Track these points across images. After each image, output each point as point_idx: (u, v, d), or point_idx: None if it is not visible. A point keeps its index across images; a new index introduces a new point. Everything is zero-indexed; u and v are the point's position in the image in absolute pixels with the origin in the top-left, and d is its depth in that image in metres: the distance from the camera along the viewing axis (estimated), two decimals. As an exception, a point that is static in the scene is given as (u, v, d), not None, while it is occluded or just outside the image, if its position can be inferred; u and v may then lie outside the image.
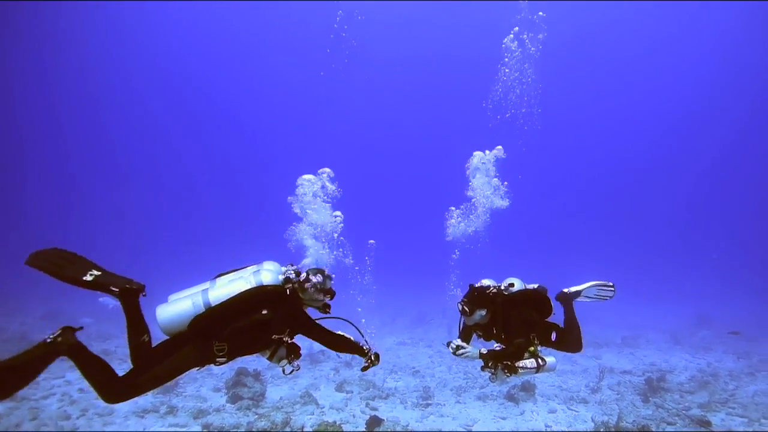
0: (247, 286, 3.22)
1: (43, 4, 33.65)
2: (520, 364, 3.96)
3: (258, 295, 3.20)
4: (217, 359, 3.10)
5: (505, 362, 3.92)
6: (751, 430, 7.34)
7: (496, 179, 6.69)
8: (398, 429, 6.66)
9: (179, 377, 3.19)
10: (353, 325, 3.76)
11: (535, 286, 4.40)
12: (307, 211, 4.97)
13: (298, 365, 3.45)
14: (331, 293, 3.58)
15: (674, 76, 46.76)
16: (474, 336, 4.39)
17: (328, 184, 5.27)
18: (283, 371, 3.40)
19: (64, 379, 9.18)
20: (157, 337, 3.15)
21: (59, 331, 2.85)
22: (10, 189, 44.76)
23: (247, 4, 42.53)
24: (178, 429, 6.97)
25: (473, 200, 6.82)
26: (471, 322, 4.19)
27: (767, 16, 36.84)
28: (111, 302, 13.74)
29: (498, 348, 3.99)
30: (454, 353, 3.97)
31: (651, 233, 49.36)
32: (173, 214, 54.83)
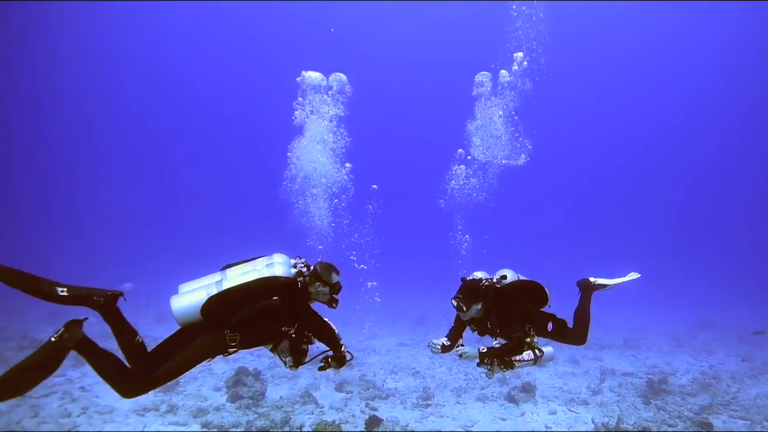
0: (260, 276, 3.29)
1: (31, 4, 33.88)
2: (517, 357, 3.93)
3: (270, 284, 3.27)
4: (229, 349, 3.16)
5: (502, 358, 3.89)
6: (752, 432, 7.31)
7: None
8: (397, 429, 6.65)
9: (192, 369, 3.21)
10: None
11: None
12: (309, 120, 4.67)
13: (295, 361, 3.50)
14: (337, 288, 3.63)
15: (674, 78, 46.62)
16: (468, 330, 4.36)
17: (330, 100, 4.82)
18: (284, 363, 3.47)
19: (65, 377, 9.21)
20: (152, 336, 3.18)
21: (63, 328, 2.90)
22: (5, 187, 45.03)
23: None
24: (177, 427, 6.98)
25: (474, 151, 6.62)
26: (466, 317, 4.15)
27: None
28: (127, 286, 13.74)
29: (497, 344, 3.98)
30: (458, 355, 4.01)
31: (652, 236, 49.21)
32: (169, 207, 55.23)
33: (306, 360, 3.55)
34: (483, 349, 3.94)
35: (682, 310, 21.68)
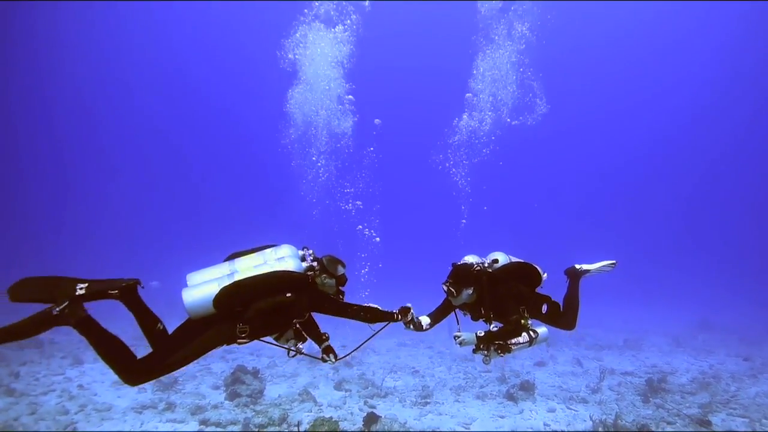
0: (271, 270, 3.30)
1: (37, 4, 34.00)
2: (513, 341, 3.89)
3: (283, 279, 3.29)
4: (239, 339, 3.20)
5: (497, 342, 3.86)
6: (751, 430, 7.28)
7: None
8: (395, 426, 6.64)
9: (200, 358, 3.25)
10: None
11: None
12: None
13: (302, 350, 3.58)
14: (343, 280, 3.70)
15: (679, 78, 46.66)
16: (462, 316, 4.32)
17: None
18: (288, 353, 3.56)
19: (64, 376, 9.23)
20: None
21: (67, 302, 2.81)
22: (8, 187, 45.09)
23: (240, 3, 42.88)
24: (175, 425, 6.97)
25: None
26: (458, 303, 4.13)
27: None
28: (154, 284, 13.70)
29: (494, 329, 3.92)
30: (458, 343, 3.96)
31: (652, 236, 49.18)
32: (172, 203, 55.40)
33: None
34: (480, 333, 3.91)
35: (683, 311, 21.64)
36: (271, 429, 6.68)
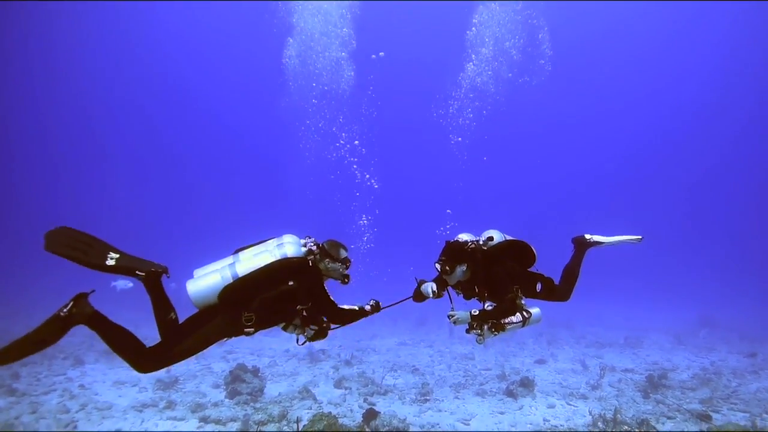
0: (272, 259, 3.32)
1: (38, 4, 34.17)
2: (507, 320, 3.84)
3: (284, 267, 3.30)
4: (246, 329, 3.20)
5: (491, 321, 3.81)
6: (751, 424, 7.27)
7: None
8: (395, 422, 6.65)
9: (207, 348, 3.27)
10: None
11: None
12: None
13: (310, 335, 3.56)
14: (347, 263, 3.67)
15: (676, 75, 46.60)
16: (455, 295, 4.22)
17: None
18: (297, 341, 3.54)
19: (65, 376, 9.26)
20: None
21: (72, 302, 2.87)
22: (7, 186, 45.20)
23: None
24: (175, 422, 6.99)
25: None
26: (453, 281, 4.02)
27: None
28: (121, 285, 13.68)
29: (489, 307, 3.86)
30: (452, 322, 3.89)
31: (656, 233, 49.01)
32: (172, 201, 55.74)
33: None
34: (475, 312, 3.82)
35: (685, 309, 21.59)
36: (271, 426, 6.70)
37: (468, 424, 7.32)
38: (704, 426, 7.07)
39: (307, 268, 3.38)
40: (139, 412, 7.35)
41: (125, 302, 10.96)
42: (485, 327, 3.83)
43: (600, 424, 7.00)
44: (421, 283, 4.11)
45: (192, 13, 43.67)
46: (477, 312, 3.81)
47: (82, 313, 2.87)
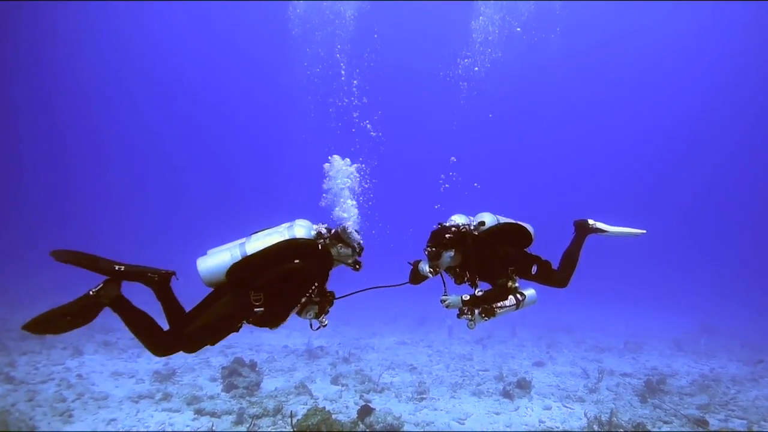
0: (281, 239, 3.34)
1: (39, 4, 34.41)
2: (498, 304, 3.79)
3: (290, 246, 3.32)
4: (255, 309, 3.21)
5: (482, 306, 3.77)
6: (748, 431, 7.22)
7: None
8: (389, 419, 6.64)
9: (224, 334, 3.29)
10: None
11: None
12: None
13: (324, 321, 3.55)
14: (360, 249, 3.65)
15: (682, 80, 46.38)
16: (449, 279, 4.15)
17: None
18: (311, 326, 3.56)
19: (63, 366, 9.29)
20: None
21: (102, 284, 3.01)
22: (7, 186, 45.45)
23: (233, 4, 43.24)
24: (171, 413, 7.01)
25: None
26: (442, 267, 3.96)
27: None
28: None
29: (480, 292, 3.80)
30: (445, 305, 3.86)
31: (657, 240, 48.70)
32: (175, 200, 55.84)
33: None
34: (466, 297, 3.78)
35: (686, 316, 21.47)
36: (265, 420, 6.71)
37: (463, 423, 7.31)
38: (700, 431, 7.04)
39: (315, 250, 3.38)
40: (135, 403, 7.37)
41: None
42: (476, 312, 3.80)
43: (595, 427, 6.97)
44: (416, 263, 4.06)
45: (185, 10, 43.93)
46: (468, 297, 3.78)
47: (109, 294, 2.98)
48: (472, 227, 3.99)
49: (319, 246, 3.42)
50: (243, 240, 3.39)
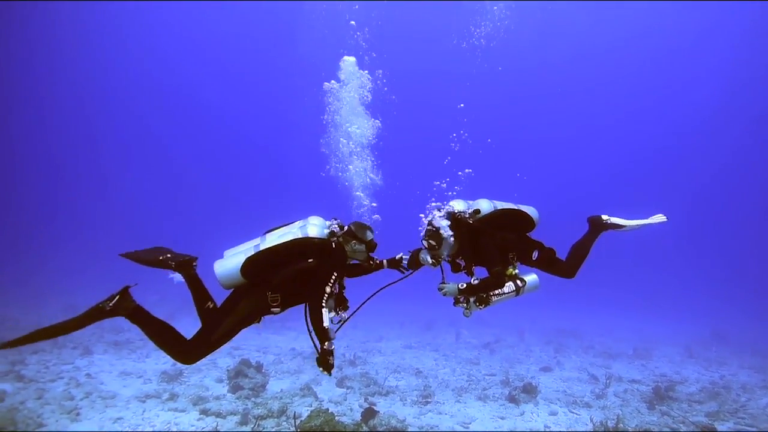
0: (293, 238, 3.40)
1: (37, 4, 34.89)
2: (496, 292, 3.75)
3: (304, 245, 3.37)
4: (272, 309, 3.30)
5: (478, 294, 3.75)
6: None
7: None
8: (393, 422, 6.64)
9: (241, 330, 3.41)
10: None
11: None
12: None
13: (345, 317, 3.61)
14: (373, 245, 3.68)
15: (688, 81, 45.92)
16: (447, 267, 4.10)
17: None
18: (331, 321, 3.50)
19: (73, 365, 9.39)
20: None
21: (118, 295, 3.07)
22: (5, 185, 46.00)
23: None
24: (176, 413, 7.07)
25: None
26: (445, 253, 3.90)
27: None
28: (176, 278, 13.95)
29: (476, 281, 3.75)
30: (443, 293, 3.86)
31: (667, 245, 48.13)
32: (175, 201, 56.28)
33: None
34: (462, 285, 3.75)
35: (698, 323, 21.19)
36: (269, 421, 6.74)
37: (467, 428, 7.28)
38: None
39: (329, 250, 3.40)
40: (142, 402, 7.44)
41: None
42: (471, 300, 3.80)
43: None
44: (416, 252, 4.03)
45: (185, 11, 44.27)
46: (464, 285, 3.76)
47: (126, 306, 3.05)
48: (467, 215, 3.92)
49: (333, 245, 3.45)
50: (257, 241, 3.45)
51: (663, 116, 49.22)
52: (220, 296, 3.49)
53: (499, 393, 9.11)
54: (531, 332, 16.19)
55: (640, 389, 9.88)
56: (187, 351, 3.17)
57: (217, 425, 6.64)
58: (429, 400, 8.47)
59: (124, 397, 7.63)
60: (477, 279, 3.78)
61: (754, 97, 42.49)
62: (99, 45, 43.04)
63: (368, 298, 3.75)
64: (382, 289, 3.83)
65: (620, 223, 4.32)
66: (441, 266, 4.02)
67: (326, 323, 3.31)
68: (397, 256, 4.07)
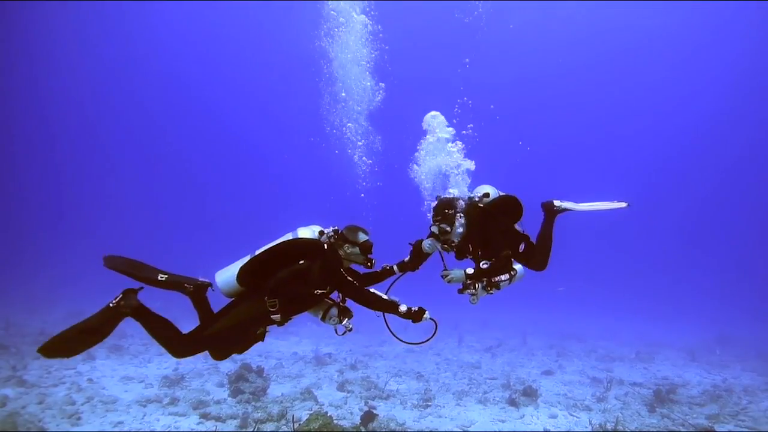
0: (284, 240, 3.47)
1: (39, 3, 35.12)
2: (502, 277, 3.75)
3: (293, 245, 3.40)
4: (272, 315, 3.31)
5: (486, 279, 3.71)
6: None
7: None
8: (392, 425, 6.66)
9: (248, 343, 3.57)
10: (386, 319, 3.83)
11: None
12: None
13: (350, 326, 3.57)
14: (367, 247, 3.58)
15: (694, 86, 45.85)
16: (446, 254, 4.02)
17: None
18: (336, 331, 3.58)
19: (75, 370, 9.44)
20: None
21: (121, 295, 3.22)
22: (6, 186, 46.18)
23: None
24: (176, 417, 7.11)
25: None
26: (455, 237, 3.83)
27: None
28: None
29: (484, 265, 3.71)
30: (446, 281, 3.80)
31: (669, 248, 47.94)
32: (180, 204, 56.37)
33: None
34: (470, 270, 3.70)
35: (700, 326, 21.12)
36: (269, 424, 6.76)
37: (466, 430, 7.29)
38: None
39: (320, 250, 3.37)
40: (143, 407, 7.48)
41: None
42: (479, 286, 3.74)
43: (601, 435, 6.92)
44: (418, 243, 3.98)
45: (191, 11, 44.39)
46: (472, 270, 3.70)
47: (130, 305, 3.17)
48: (476, 198, 3.90)
49: (324, 245, 3.41)
50: (253, 253, 3.51)
51: (669, 119, 49.06)
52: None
53: (500, 396, 9.11)
54: (534, 336, 16.17)
55: (641, 392, 9.86)
56: (178, 344, 3.28)
57: (216, 429, 6.68)
58: (429, 403, 8.48)
59: (125, 401, 7.67)
60: (485, 264, 3.71)
61: (761, 100, 42.40)
62: (99, 46, 43.28)
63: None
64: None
65: (571, 207, 4.28)
66: (441, 254, 3.97)
67: (374, 291, 3.44)
68: (405, 260, 4.07)
